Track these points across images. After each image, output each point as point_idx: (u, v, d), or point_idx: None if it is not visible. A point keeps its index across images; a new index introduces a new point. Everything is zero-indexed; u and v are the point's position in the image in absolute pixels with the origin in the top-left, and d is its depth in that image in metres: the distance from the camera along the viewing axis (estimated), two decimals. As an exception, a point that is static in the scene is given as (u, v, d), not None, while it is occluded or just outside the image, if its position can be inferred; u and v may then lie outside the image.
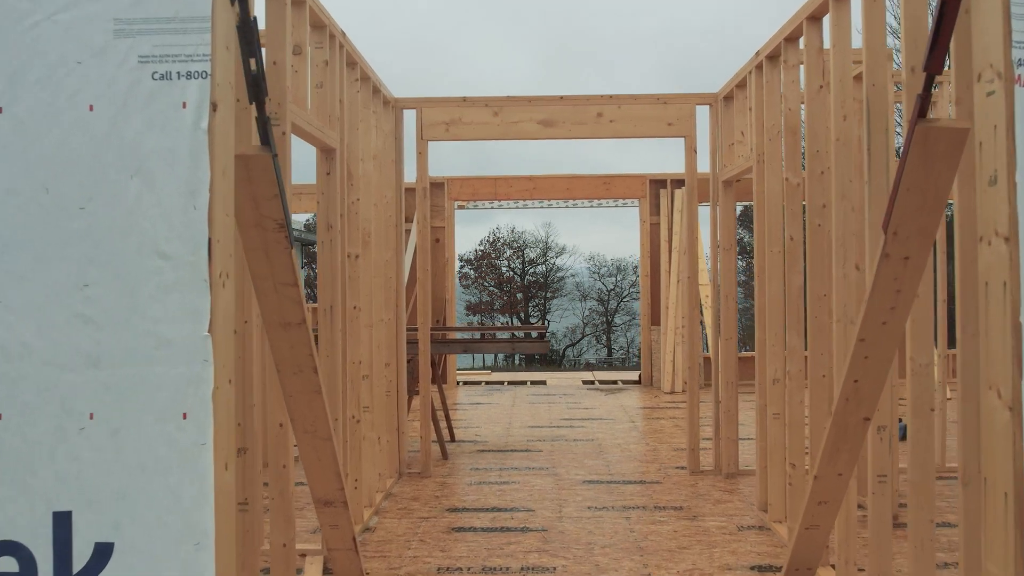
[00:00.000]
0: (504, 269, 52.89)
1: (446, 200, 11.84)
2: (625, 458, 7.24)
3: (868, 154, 3.64)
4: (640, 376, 12.43)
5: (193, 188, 2.00)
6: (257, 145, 2.48)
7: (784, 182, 4.97)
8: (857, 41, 4.03)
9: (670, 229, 11.62)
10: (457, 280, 51.43)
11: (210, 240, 2.00)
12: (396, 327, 6.61)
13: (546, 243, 53.05)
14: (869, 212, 3.63)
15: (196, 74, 2.02)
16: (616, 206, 13.00)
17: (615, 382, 12.92)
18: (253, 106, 2.38)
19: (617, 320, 54.41)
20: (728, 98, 6.42)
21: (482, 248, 53.00)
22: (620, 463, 7.05)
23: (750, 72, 5.57)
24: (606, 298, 54.22)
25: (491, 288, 53.10)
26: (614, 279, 54.30)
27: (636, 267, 57.20)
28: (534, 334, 7.58)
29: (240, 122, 3.28)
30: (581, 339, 53.69)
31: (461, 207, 12.32)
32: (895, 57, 15.20)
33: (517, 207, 13.25)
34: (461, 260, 53.03)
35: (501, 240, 53.06)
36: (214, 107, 2.04)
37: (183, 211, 1.99)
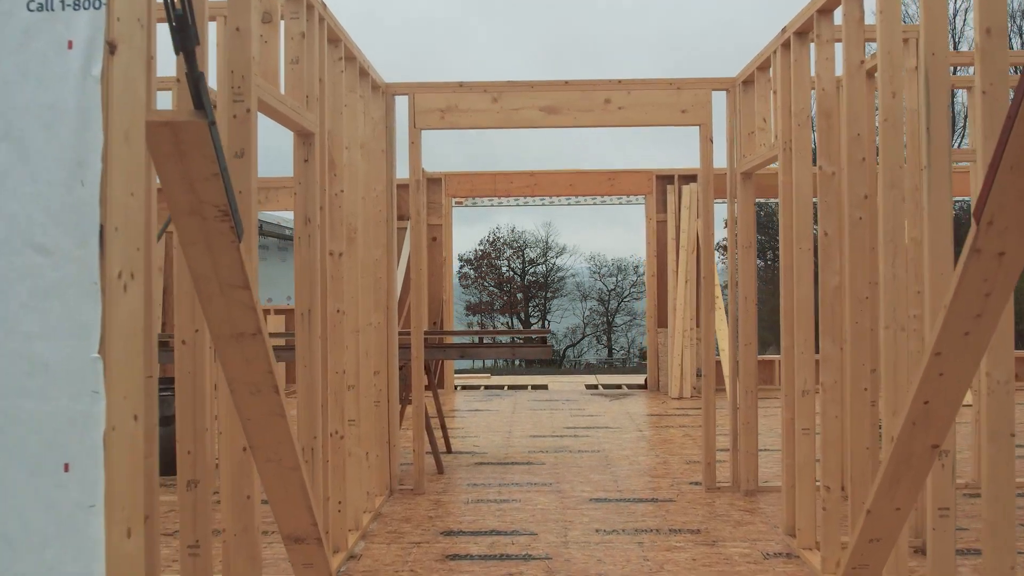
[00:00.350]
0: (504, 269, 52.48)
1: (443, 197, 11.31)
2: (634, 472, 6.71)
3: (928, 134, 3.11)
4: (646, 380, 11.90)
5: (80, 158, 1.47)
6: (190, 110, 1.95)
7: (817, 172, 4.44)
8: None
9: (678, 227, 11.08)
10: (457, 280, 51.15)
11: (102, 228, 1.47)
12: (387, 332, 6.08)
13: (546, 243, 52.67)
14: (929, 202, 3.10)
15: (87, 3, 1.49)
16: (621, 203, 12.47)
17: (619, 386, 12.38)
18: (180, 57, 1.84)
19: (618, 320, 53.96)
20: (748, 82, 5.89)
21: (482, 248, 52.56)
22: (629, 478, 6.51)
23: (775, 52, 5.03)
24: (607, 298, 53.77)
25: (491, 288, 52.65)
26: (615, 279, 53.85)
27: (637, 267, 56.91)
28: (536, 338, 7.05)
29: (181, 90, 2.75)
30: (581, 339, 53.24)
31: (459, 203, 11.79)
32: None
33: (517, 204, 12.73)
34: (461, 260, 52.68)
35: (501, 240, 52.63)
36: (112, 48, 1.51)
37: (66, 189, 1.46)
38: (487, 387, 12.49)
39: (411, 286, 6.36)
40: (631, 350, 53.96)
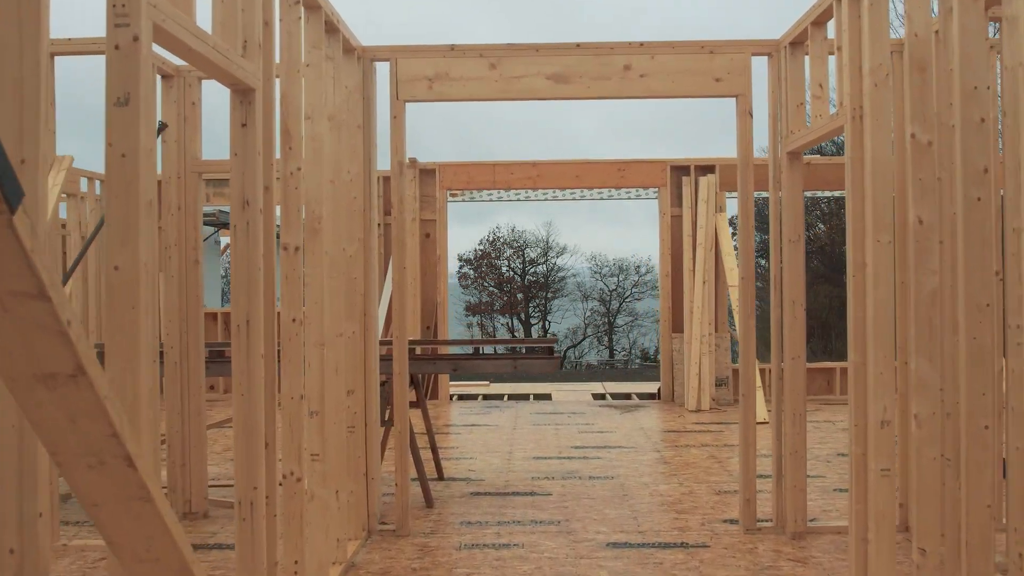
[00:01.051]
0: (504, 269, 51.72)
1: (437, 189, 10.30)
2: (657, 506, 5.70)
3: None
4: (659, 390, 10.89)
5: None
6: None
7: (908, 140, 3.43)
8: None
9: (694, 222, 10.07)
10: (456, 280, 50.25)
11: None
12: (364, 343, 5.08)
13: (547, 242, 51.93)
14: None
15: None
16: (631, 198, 11.45)
17: (629, 396, 11.38)
18: None
19: (619, 321, 53.15)
20: (796, 44, 4.89)
21: (482, 247, 51.77)
22: (651, 513, 5.51)
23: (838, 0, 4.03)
24: (608, 298, 52.98)
25: (491, 288, 51.85)
26: (616, 279, 53.08)
27: (639, 267, 56.21)
28: (540, 348, 6.07)
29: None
30: (582, 340, 52.42)
31: (454, 196, 10.75)
32: None
33: (518, 198, 11.74)
34: (461, 260, 51.83)
35: (501, 239, 51.86)
36: None
37: None
38: (485, 397, 11.48)
39: (392, 288, 5.36)
40: (632, 351, 53.19)
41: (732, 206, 12.36)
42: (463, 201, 11.51)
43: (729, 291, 9.69)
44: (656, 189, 10.51)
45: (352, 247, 4.88)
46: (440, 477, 6.47)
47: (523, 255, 52.17)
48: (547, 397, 11.37)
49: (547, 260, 52.36)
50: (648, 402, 10.69)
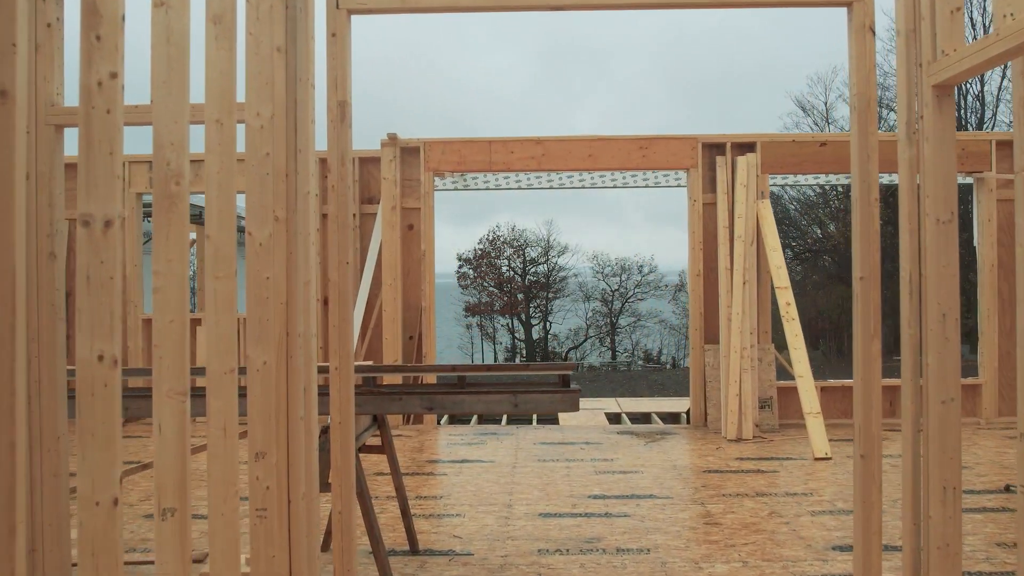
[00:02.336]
0: (504, 269, 50.16)
1: (422, 171, 8.52)
2: (719, 606, 3.92)
3: None
4: (688, 412, 9.10)
5: None
6: None
7: None
8: None
9: (731, 211, 8.30)
10: (455, 280, 48.47)
11: None
12: (287, 379, 3.30)
13: (548, 241, 50.51)
14: None
15: None
16: (655, 184, 9.62)
17: (650, 417, 9.61)
18: None
19: (621, 322, 51.47)
20: (953, -87, 3.12)
21: (481, 247, 50.17)
22: (714, 622, 3.73)
23: None
24: (610, 299, 51.40)
25: (491, 288, 50.24)
26: (618, 279, 51.54)
27: (641, 266, 54.48)
28: (554, 378, 4.32)
29: None
30: (584, 341, 50.73)
31: (439, 176, 8.86)
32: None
33: (518, 185, 9.94)
34: (460, 259, 50.11)
35: (501, 238, 50.34)
36: None
37: None
38: (482, 419, 9.71)
39: (330, 292, 3.56)
40: (635, 353, 51.35)
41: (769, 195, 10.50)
42: (454, 189, 9.72)
43: (777, 294, 7.91)
44: (684, 172, 8.73)
45: (263, 231, 3.10)
46: (414, 550, 4.70)
47: (523, 254, 50.58)
48: (553, 420, 9.60)
49: (548, 259, 50.79)
50: (676, 428, 8.88)
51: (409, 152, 8.50)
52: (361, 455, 4.29)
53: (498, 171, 8.29)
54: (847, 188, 24.18)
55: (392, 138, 8.37)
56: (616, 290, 51.99)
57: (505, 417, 9.61)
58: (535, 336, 50.58)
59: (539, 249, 50.87)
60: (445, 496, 6.03)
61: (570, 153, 8.34)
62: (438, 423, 9.43)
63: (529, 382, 4.44)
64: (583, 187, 9.84)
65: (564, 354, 50.00)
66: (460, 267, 50.26)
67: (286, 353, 3.27)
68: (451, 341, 57.92)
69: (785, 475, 6.56)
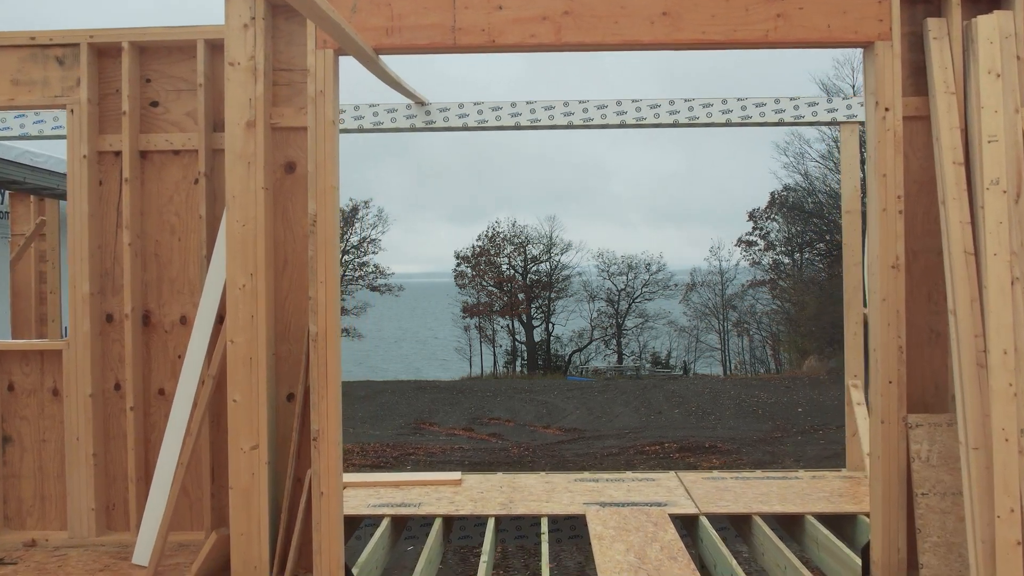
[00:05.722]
0: (504, 267, 46.62)
1: (311, 50, 3.95)
2: None
3: None
4: (867, 549, 4.55)
5: None
6: None
7: None
8: None
9: (964, 127, 3.80)
10: (453, 279, 44.70)
11: None
12: None
13: (550, 238, 46.86)
14: None
15: None
16: (798, 114, 4.98)
17: (749, 522, 5.08)
18: None
19: (628, 323, 47.79)
20: None
21: (480, 244, 46.56)
22: None
23: None
24: (616, 299, 47.75)
25: (490, 288, 46.67)
26: (624, 277, 47.85)
27: (648, 264, 50.70)
28: None
29: None
30: (589, 344, 47.01)
31: (345, 56, 4.15)
32: None
33: (513, 117, 5.48)
34: (458, 257, 46.43)
35: (501, 235, 46.73)
36: None
37: None
38: (449, 519, 5.27)
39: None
40: (643, 356, 47.68)
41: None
42: (381, 112, 5.27)
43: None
44: (857, 51, 4.25)
45: None
46: None
47: (524, 252, 46.89)
48: (578, 522, 5.13)
49: (550, 257, 47.09)
50: (823, 521, 4.39)
51: (287, 16, 3.98)
52: None
53: (472, 47, 3.76)
54: None
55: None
56: (623, 289, 48.27)
57: (492, 518, 5.17)
58: (537, 338, 46.88)
59: (541, 246, 47.14)
60: None
61: (623, 9, 3.81)
62: (371, 498, 5.04)
63: None
64: (655, 119, 5.43)
65: (567, 357, 46.35)
66: (458, 265, 46.65)
67: None
68: (448, 343, 53.92)
69: None
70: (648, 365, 46.84)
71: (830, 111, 6.23)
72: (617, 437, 18.03)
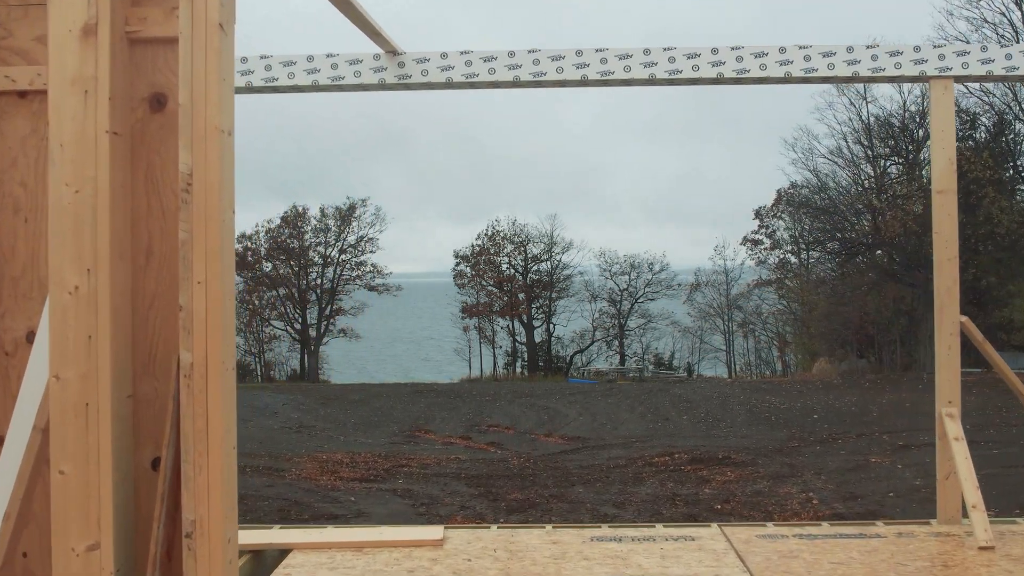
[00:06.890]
0: (504, 267, 45.27)
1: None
2: None
3: None
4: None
5: None
6: None
7: None
8: None
9: None
10: (452, 279, 43.40)
11: None
12: None
13: (551, 237, 45.51)
14: None
15: None
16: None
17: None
18: None
19: (631, 324, 46.37)
20: None
21: (479, 243, 45.21)
22: None
23: None
24: (618, 299, 46.31)
25: (490, 288, 45.31)
26: (627, 277, 46.38)
27: (652, 264, 49.43)
28: None
29: None
30: (591, 345, 45.64)
31: None
32: None
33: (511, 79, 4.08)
34: (457, 257, 45.11)
35: (501, 234, 45.32)
36: None
37: None
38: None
39: None
40: (645, 357, 46.33)
41: None
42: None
43: None
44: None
45: None
46: None
47: (525, 251, 45.51)
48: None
49: (551, 256, 45.68)
50: None
51: None
52: None
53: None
54: None
55: None
56: (625, 289, 46.82)
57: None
58: (537, 339, 45.47)
59: (542, 245, 45.74)
60: None
61: None
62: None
63: None
64: (694, 72, 3.97)
65: (569, 358, 44.97)
66: (457, 265, 45.26)
67: None
68: (447, 344, 52.35)
69: None
70: (651, 367, 45.46)
71: (917, 62, 4.79)
72: (623, 446, 16.66)
